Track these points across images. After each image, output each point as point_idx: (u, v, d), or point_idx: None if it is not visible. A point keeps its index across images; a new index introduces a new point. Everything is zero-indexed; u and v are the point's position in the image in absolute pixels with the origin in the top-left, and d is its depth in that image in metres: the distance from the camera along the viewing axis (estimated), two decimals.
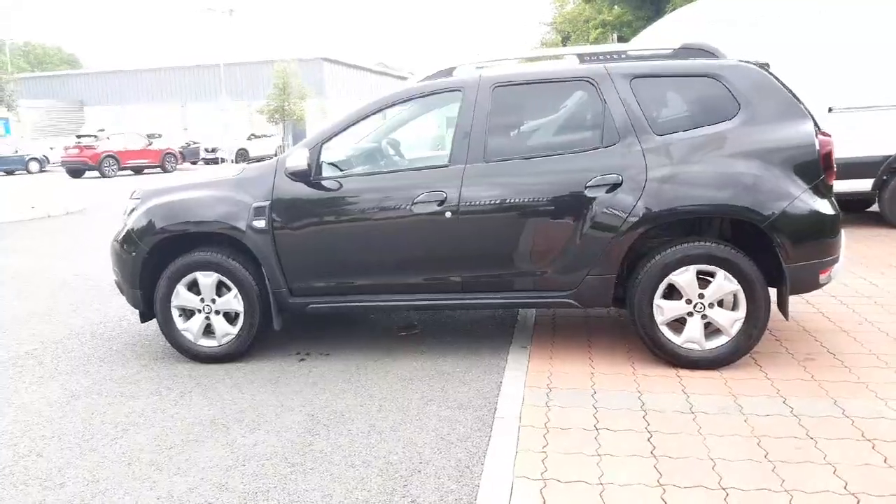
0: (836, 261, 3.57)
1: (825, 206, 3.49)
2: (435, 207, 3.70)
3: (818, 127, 3.56)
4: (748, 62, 3.67)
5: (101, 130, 34.15)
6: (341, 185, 3.86)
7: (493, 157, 3.75)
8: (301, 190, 3.86)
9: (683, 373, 3.56)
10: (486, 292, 3.82)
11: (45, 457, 3.00)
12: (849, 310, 4.57)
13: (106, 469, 2.86)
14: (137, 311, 4.26)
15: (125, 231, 4.12)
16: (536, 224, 3.66)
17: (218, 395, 3.62)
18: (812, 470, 2.57)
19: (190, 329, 4.08)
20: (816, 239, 3.49)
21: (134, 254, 4.05)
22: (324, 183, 3.87)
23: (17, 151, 31.01)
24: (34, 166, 30.34)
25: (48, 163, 31.41)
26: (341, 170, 4.07)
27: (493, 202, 3.69)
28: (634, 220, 3.52)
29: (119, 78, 52.64)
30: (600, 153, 3.63)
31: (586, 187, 3.58)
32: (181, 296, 4.04)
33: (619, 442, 2.85)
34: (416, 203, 3.72)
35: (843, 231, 3.65)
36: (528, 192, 3.66)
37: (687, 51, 3.82)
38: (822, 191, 3.49)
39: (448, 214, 3.70)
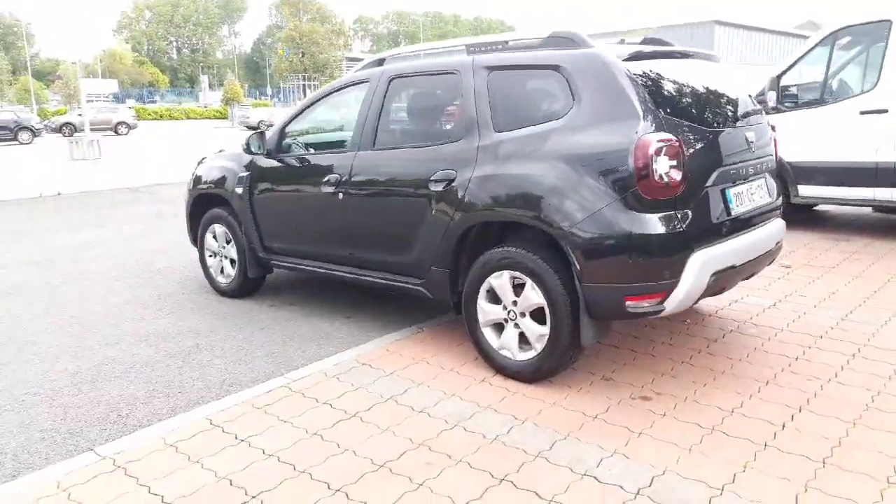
0: (659, 289, 2.95)
1: (639, 223, 2.91)
2: (332, 188, 4.16)
3: (663, 131, 2.94)
4: (598, 52, 3.18)
5: None
6: (286, 164, 4.56)
7: (379, 146, 4.01)
8: (265, 165, 4.68)
9: (495, 380, 3.42)
10: (370, 270, 4.13)
11: (62, 336, 4.52)
12: (851, 358, 3.51)
13: (67, 352, 4.15)
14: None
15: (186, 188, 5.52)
16: (396, 212, 3.85)
17: (184, 320, 4.72)
18: (385, 479, 2.53)
19: (213, 267, 5.31)
20: (620, 259, 2.96)
21: (186, 205, 5.45)
22: (283, 159, 4.61)
23: None
24: None
25: None
26: (309, 149, 4.76)
27: (369, 187, 3.98)
28: (457, 217, 3.47)
29: None
30: (449, 147, 3.61)
31: (430, 181, 3.62)
32: (208, 241, 5.28)
33: (315, 417, 3.09)
34: (322, 183, 4.23)
35: (695, 256, 2.99)
36: (393, 181, 3.86)
37: (555, 39, 3.41)
38: (636, 204, 2.91)
39: (340, 196, 4.12)
